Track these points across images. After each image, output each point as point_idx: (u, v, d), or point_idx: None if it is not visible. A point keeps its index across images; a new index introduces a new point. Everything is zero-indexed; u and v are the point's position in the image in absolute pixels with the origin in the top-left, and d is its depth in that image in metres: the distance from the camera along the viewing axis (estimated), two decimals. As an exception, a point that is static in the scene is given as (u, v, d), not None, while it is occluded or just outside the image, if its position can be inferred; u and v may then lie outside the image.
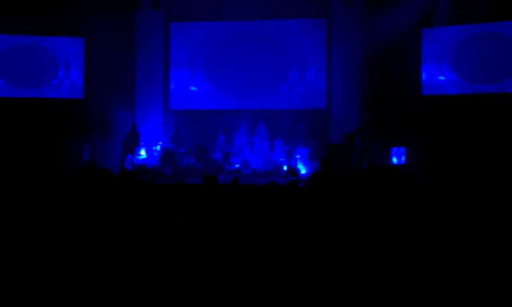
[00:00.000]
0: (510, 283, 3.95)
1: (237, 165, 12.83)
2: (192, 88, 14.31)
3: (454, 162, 11.32)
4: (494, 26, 12.00)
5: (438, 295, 3.83)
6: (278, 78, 13.95)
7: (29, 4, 12.95)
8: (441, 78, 12.53)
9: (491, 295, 3.80)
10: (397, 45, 12.44)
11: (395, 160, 11.90)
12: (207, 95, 14.28)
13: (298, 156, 12.47)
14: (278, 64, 13.94)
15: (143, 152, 13.34)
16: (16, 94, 13.36)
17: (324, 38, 13.79)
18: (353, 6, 13.29)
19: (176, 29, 14.42)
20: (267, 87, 13.96)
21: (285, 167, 12.19)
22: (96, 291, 3.97)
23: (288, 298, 3.88)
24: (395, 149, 12.01)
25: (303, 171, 11.88)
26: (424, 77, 12.71)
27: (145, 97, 14.20)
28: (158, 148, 13.19)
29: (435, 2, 12.36)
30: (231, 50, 14.06)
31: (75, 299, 3.87)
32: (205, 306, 3.83)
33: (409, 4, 12.23)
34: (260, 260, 4.43)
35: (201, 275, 4.17)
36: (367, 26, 12.97)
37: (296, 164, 12.13)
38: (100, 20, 13.33)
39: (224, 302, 3.84)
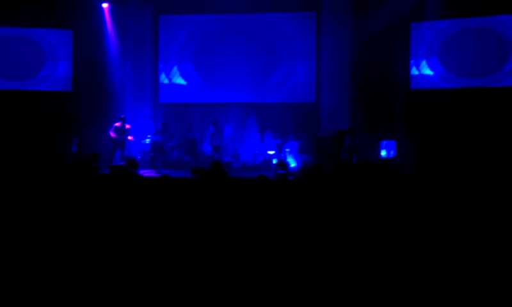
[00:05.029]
0: (502, 270, 4.00)
1: (227, 159, 12.83)
2: (182, 81, 14.26)
3: (442, 155, 11.40)
4: (483, 21, 12.06)
5: (428, 286, 3.86)
6: (267, 72, 13.94)
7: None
8: (430, 72, 12.60)
9: (483, 286, 3.83)
10: (386, 39, 12.46)
11: (384, 153, 11.96)
12: (197, 88, 14.24)
13: (288, 149, 12.49)
14: (268, 57, 13.92)
15: (132, 145, 13.28)
16: (3, 87, 13.22)
17: (314, 31, 13.79)
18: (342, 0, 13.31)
19: (165, 22, 14.33)
20: (256, 80, 13.94)
21: (274, 161, 12.21)
22: (85, 283, 3.96)
23: (277, 289, 3.89)
24: (384, 142, 12.07)
25: (293, 165, 11.91)
26: (412, 71, 12.77)
27: (134, 90, 14.14)
28: (147, 141, 13.13)
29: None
30: (220, 43, 14.01)
31: (64, 291, 3.86)
32: (193, 297, 3.84)
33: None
34: (249, 252, 4.44)
35: (191, 268, 4.18)
36: (356, 20, 12.99)
37: (286, 158, 12.14)
38: (89, 13, 13.24)
39: (212, 293, 3.85)
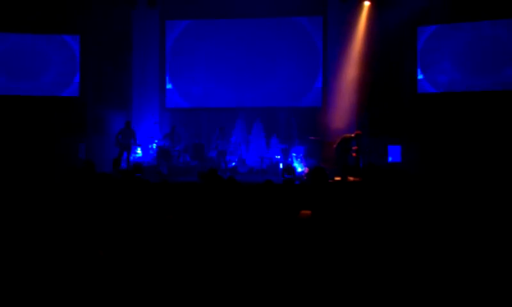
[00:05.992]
0: (508, 280, 3.96)
1: (233, 163, 12.83)
2: (189, 86, 14.28)
3: (449, 159, 11.32)
4: (489, 24, 12.01)
5: (435, 292, 3.83)
6: (274, 76, 13.94)
7: (25, 1, 12.91)
8: (437, 76, 12.55)
9: (489, 293, 3.80)
10: (393, 43, 12.43)
11: (391, 158, 11.92)
12: (203, 93, 14.24)
13: (294, 154, 12.47)
14: (275, 62, 13.92)
15: (138, 150, 13.32)
16: (11, 92, 13.31)
17: (320, 36, 13.80)
18: (348, 4, 13.28)
19: (171, 27, 14.39)
20: (263, 85, 13.95)
21: (281, 165, 12.19)
22: (91, 290, 3.95)
23: (284, 296, 3.87)
24: (391, 147, 12.02)
25: (299, 169, 11.88)
26: (419, 75, 12.72)
27: (141, 95, 14.15)
28: (154, 146, 13.16)
29: (431, 0, 12.35)
30: (226, 47, 14.02)
31: (69, 299, 3.86)
32: (200, 305, 3.83)
33: (405, 1, 12.19)
34: (254, 258, 4.43)
35: (197, 274, 4.17)
36: (363, 24, 12.96)
37: (292, 162, 12.13)
38: (96, 18, 13.31)
39: (218, 301, 3.84)
